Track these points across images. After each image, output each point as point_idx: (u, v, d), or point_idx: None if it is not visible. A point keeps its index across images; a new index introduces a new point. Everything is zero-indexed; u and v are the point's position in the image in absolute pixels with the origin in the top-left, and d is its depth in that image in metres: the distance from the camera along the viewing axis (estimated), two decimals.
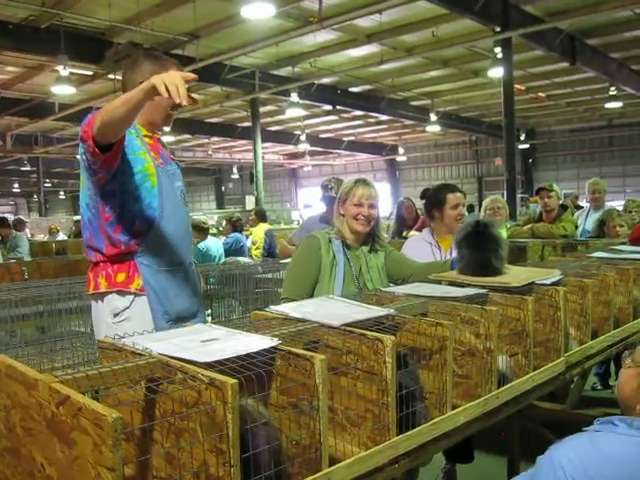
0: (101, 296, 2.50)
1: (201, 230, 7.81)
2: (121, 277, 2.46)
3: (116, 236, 2.44)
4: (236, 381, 1.25)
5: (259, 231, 8.58)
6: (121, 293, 2.46)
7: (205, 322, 2.66)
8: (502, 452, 3.49)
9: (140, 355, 1.47)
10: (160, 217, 2.50)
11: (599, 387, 5.32)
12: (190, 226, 2.78)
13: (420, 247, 3.71)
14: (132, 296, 2.46)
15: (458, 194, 3.71)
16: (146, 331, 1.65)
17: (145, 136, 2.56)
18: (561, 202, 6.05)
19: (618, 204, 14.67)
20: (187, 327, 1.78)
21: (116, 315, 2.47)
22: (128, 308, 2.46)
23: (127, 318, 2.46)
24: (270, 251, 8.07)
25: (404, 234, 6.99)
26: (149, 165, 2.48)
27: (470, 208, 13.62)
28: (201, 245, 7.62)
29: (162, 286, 2.50)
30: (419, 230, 5.50)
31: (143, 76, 2.50)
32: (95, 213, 2.47)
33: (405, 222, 7.44)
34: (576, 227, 5.78)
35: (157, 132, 2.71)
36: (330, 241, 2.91)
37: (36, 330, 4.07)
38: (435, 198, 3.77)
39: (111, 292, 2.47)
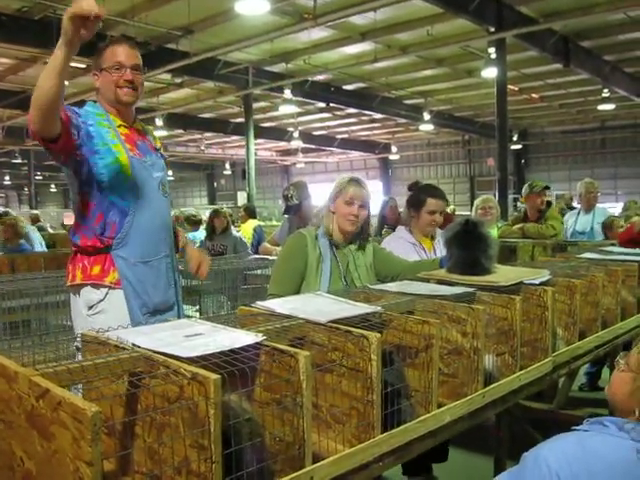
0: (77, 288, 2.50)
1: (193, 222, 8.31)
2: (96, 270, 2.46)
3: (93, 227, 2.45)
4: (219, 376, 1.24)
5: (248, 227, 8.58)
6: (95, 286, 2.46)
7: (181, 315, 2.69)
8: (489, 452, 3.48)
9: (123, 349, 1.46)
10: (134, 208, 2.50)
11: (586, 388, 5.32)
12: (170, 217, 2.76)
13: (404, 248, 3.45)
14: (106, 289, 2.46)
15: (439, 201, 3.50)
16: (121, 326, 1.63)
17: (120, 126, 2.55)
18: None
19: (609, 206, 14.73)
20: (171, 322, 1.77)
21: (90, 308, 2.47)
22: (102, 301, 2.46)
23: (101, 311, 2.46)
24: (259, 247, 8.10)
25: (383, 232, 7.02)
26: (122, 157, 2.47)
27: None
28: (190, 235, 7.70)
29: (139, 279, 2.50)
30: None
31: (104, 62, 2.53)
32: (76, 203, 2.49)
33: (386, 220, 7.50)
34: (561, 223, 5.83)
35: (137, 121, 2.69)
36: (317, 238, 2.90)
37: (20, 324, 4.03)
38: (416, 198, 3.57)
39: (86, 284, 2.47)
